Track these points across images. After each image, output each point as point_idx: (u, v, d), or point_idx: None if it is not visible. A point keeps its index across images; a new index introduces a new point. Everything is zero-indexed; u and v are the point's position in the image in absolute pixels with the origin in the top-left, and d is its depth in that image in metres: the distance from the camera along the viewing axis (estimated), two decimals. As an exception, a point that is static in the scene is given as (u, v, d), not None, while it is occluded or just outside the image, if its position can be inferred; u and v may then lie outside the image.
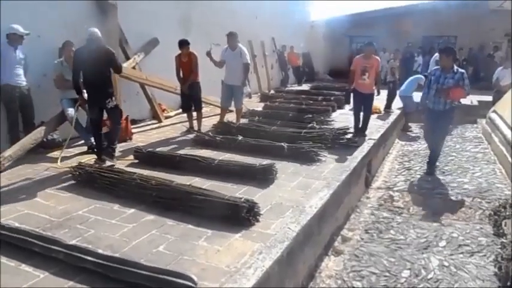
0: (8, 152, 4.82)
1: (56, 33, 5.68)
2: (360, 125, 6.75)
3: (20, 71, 5.28)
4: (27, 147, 5.09)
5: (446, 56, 5.43)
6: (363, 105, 6.74)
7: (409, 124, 9.55)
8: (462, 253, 3.80)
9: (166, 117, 8.10)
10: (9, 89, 5.17)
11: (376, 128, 7.27)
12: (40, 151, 5.46)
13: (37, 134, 5.29)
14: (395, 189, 5.60)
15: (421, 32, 16.96)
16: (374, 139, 6.24)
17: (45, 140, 5.52)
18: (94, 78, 4.90)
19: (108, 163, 4.91)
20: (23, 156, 5.02)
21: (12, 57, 5.17)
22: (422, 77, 9.02)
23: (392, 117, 8.60)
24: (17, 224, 3.19)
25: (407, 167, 6.56)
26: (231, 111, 7.39)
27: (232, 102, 7.13)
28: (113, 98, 5.04)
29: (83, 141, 5.84)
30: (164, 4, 7.85)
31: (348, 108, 9.77)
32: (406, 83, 9.36)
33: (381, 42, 17.19)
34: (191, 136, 6.38)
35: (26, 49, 5.34)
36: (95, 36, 4.84)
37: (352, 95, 6.87)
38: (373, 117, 8.61)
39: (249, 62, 6.97)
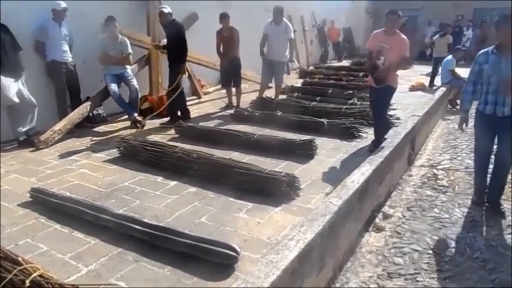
0: (58, 126, 5.05)
1: (99, 9, 5.78)
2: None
3: (66, 47, 5.45)
4: (75, 122, 5.32)
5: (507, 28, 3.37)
6: (375, 104, 4.92)
7: (457, 101, 9.12)
8: (511, 234, 3.64)
9: (205, 93, 8.17)
10: (56, 65, 5.35)
11: (420, 104, 7.00)
12: (86, 125, 5.69)
13: (83, 109, 5.51)
14: (439, 167, 5.39)
15: (472, 4, 15.97)
16: (418, 116, 6.01)
17: (90, 114, 5.74)
18: (176, 50, 5.77)
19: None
20: (71, 130, 5.25)
21: (57, 33, 5.32)
22: (450, 58, 8.60)
23: (438, 94, 8.23)
24: (68, 194, 3.36)
25: (453, 145, 6.29)
26: (270, 87, 7.34)
27: (272, 79, 7.07)
28: None
29: (126, 116, 6.01)
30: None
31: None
32: (441, 70, 9.05)
33: (428, 15, 16.42)
34: (230, 111, 6.41)
35: (70, 25, 5.49)
36: (171, 12, 5.70)
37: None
38: (418, 93, 8.35)
39: (294, 37, 6.86)
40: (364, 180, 3.37)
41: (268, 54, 6.81)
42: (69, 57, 5.49)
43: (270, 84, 7.26)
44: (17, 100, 4.62)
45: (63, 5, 5.24)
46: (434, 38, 10.21)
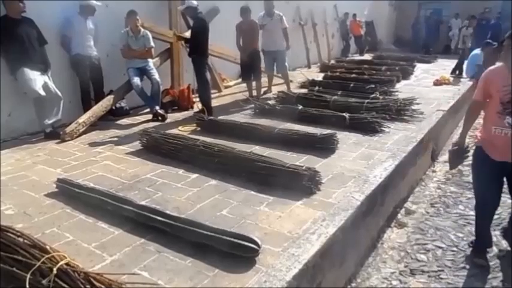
0: (82, 119, 5.15)
1: (122, 2, 5.84)
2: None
3: (91, 42, 5.53)
4: (99, 114, 5.41)
5: None
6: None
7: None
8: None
9: (226, 87, 8.18)
10: (80, 59, 5.43)
11: (445, 99, 6.85)
12: (109, 118, 5.77)
13: (107, 102, 5.60)
14: (465, 163, 5.25)
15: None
16: (443, 110, 5.87)
17: (113, 107, 5.82)
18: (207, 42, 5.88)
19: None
20: (95, 122, 5.35)
21: (83, 28, 5.40)
22: (479, 53, 8.42)
23: (463, 89, 8.03)
24: (92, 185, 3.42)
25: (478, 140, 6.13)
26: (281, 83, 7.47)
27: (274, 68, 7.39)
28: None
29: (148, 109, 6.08)
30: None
31: (413, 79, 9.32)
32: (466, 63, 9.14)
33: (455, 8, 16.00)
34: (251, 105, 6.41)
35: (95, 19, 5.56)
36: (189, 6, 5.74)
37: (474, 159, 3.04)
38: (442, 88, 8.17)
39: (287, 26, 7.21)
40: (387, 175, 3.33)
41: (265, 46, 7.13)
42: (93, 51, 5.57)
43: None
44: (43, 93, 4.73)
45: (95, 1, 5.34)
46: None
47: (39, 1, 4.86)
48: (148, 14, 6.28)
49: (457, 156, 3.19)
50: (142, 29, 5.85)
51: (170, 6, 6.67)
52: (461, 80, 9.10)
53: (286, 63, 7.42)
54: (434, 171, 5.09)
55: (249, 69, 6.93)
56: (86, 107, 5.48)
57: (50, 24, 5.11)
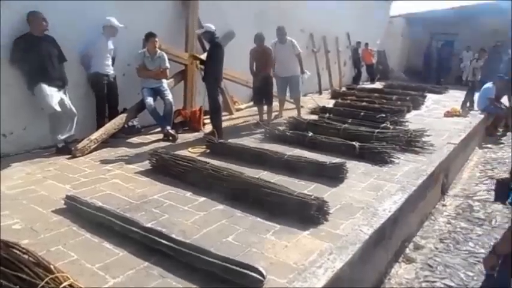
0: (94, 136, 5.21)
1: (141, 24, 5.98)
2: None
3: (109, 61, 5.67)
4: (111, 132, 5.47)
5: None
6: None
7: (494, 127, 8.83)
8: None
9: (237, 110, 8.25)
10: (98, 77, 5.55)
11: (456, 131, 6.81)
12: (121, 136, 5.83)
13: (119, 120, 5.67)
14: (475, 198, 5.19)
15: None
16: (454, 143, 5.83)
17: (125, 126, 5.89)
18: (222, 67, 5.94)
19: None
20: (106, 140, 5.40)
21: (104, 47, 5.56)
22: (491, 86, 8.46)
23: (474, 121, 7.98)
24: (100, 203, 3.43)
25: (490, 175, 6.06)
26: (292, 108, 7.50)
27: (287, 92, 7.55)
28: None
29: (159, 129, 6.13)
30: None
31: (423, 110, 9.32)
32: (478, 96, 9.20)
33: (465, 41, 16.10)
34: (261, 130, 6.43)
35: (115, 40, 5.69)
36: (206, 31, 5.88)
37: None
38: (453, 120, 8.13)
39: (301, 51, 7.44)
40: (396, 209, 3.29)
41: (279, 72, 7.29)
42: (111, 70, 5.69)
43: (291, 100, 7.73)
44: (58, 109, 4.81)
45: (117, 23, 5.50)
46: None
47: (60, 20, 4.98)
48: (167, 37, 6.41)
49: (502, 189, 2.92)
50: (158, 50, 5.97)
51: (187, 30, 6.82)
52: (472, 112, 9.06)
53: (300, 89, 7.52)
54: (444, 205, 5.02)
55: (261, 93, 7.01)
56: (100, 123, 5.55)
57: (69, 43, 5.20)
